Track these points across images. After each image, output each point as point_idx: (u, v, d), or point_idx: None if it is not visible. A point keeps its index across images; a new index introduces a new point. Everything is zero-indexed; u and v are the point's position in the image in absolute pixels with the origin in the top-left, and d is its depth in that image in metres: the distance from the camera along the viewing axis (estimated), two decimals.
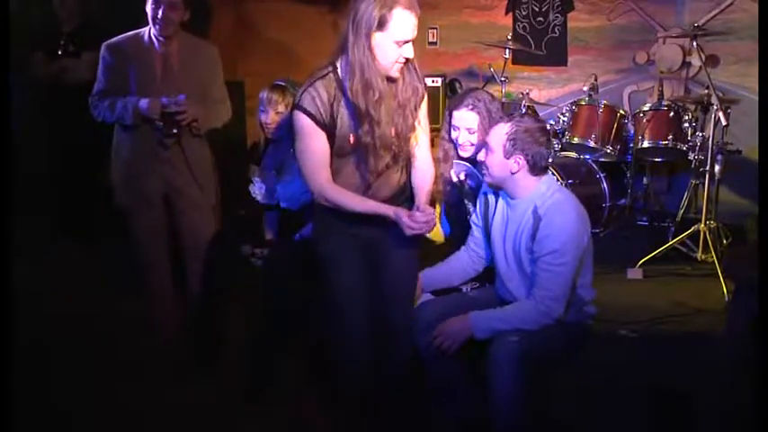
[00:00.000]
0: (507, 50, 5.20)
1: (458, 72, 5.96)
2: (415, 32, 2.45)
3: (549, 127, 4.92)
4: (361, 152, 2.53)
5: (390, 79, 2.49)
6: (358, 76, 2.42)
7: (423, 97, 2.60)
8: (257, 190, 3.29)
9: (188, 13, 3.32)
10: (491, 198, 2.75)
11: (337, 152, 2.53)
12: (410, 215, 2.46)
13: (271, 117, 3.23)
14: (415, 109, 2.56)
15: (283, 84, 3.27)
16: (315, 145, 2.49)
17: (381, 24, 2.39)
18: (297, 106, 2.49)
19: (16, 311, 2.44)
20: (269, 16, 5.94)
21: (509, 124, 2.59)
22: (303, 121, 2.47)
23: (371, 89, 2.44)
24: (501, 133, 2.58)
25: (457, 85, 5.84)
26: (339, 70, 2.48)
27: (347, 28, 2.44)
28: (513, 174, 2.58)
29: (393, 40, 2.41)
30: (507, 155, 2.56)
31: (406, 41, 2.43)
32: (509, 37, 5.36)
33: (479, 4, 6.00)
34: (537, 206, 2.57)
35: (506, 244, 2.66)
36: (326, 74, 2.50)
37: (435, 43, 6.04)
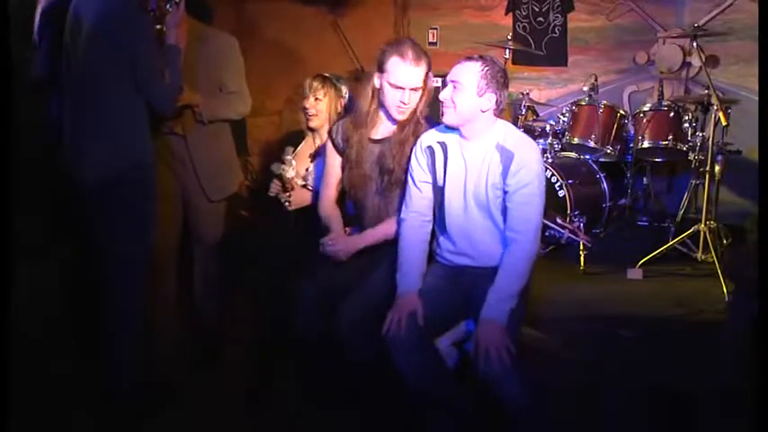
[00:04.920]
0: (507, 51, 5.18)
1: None
2: (414, 82, 2.71)
3: (549, 127, 5.02)
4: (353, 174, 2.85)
5: (396, 120, 2.79)
6: (357, 109, 2.86)
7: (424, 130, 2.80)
8: (287, 167, 3.22)
9: None
10: (437, 148, 2.65)
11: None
12: (327, 238, 2.83)
13: (309, 103, 3.33)
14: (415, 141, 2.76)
15: (327, 75, 3.39)
16: (330, 164, 2.94)
17: (381, 66, 2.72)
18: (328, 133, 3.00)
19: (16, 312, 2.45)
20: (269, 16, 5.94)
21: (479, 63, 2.54)
22: (327, 143, 2.97)
23: (362, 126, 2.81)
24: (474, 71, 2.52)
25: None
26: None
27: None
28: (483, 112, 2.53)
29: (389, 83, 2.71)
30: (481, 92, 2.51)
31: (401, 88, 2.69)
32: (509, 37, 5.34)
33: (479, 4, 6.00)
34: (500, 142, 2.55)
35: (467, 189, 2.58)
36: None
37: (435, 43, 6.03)
